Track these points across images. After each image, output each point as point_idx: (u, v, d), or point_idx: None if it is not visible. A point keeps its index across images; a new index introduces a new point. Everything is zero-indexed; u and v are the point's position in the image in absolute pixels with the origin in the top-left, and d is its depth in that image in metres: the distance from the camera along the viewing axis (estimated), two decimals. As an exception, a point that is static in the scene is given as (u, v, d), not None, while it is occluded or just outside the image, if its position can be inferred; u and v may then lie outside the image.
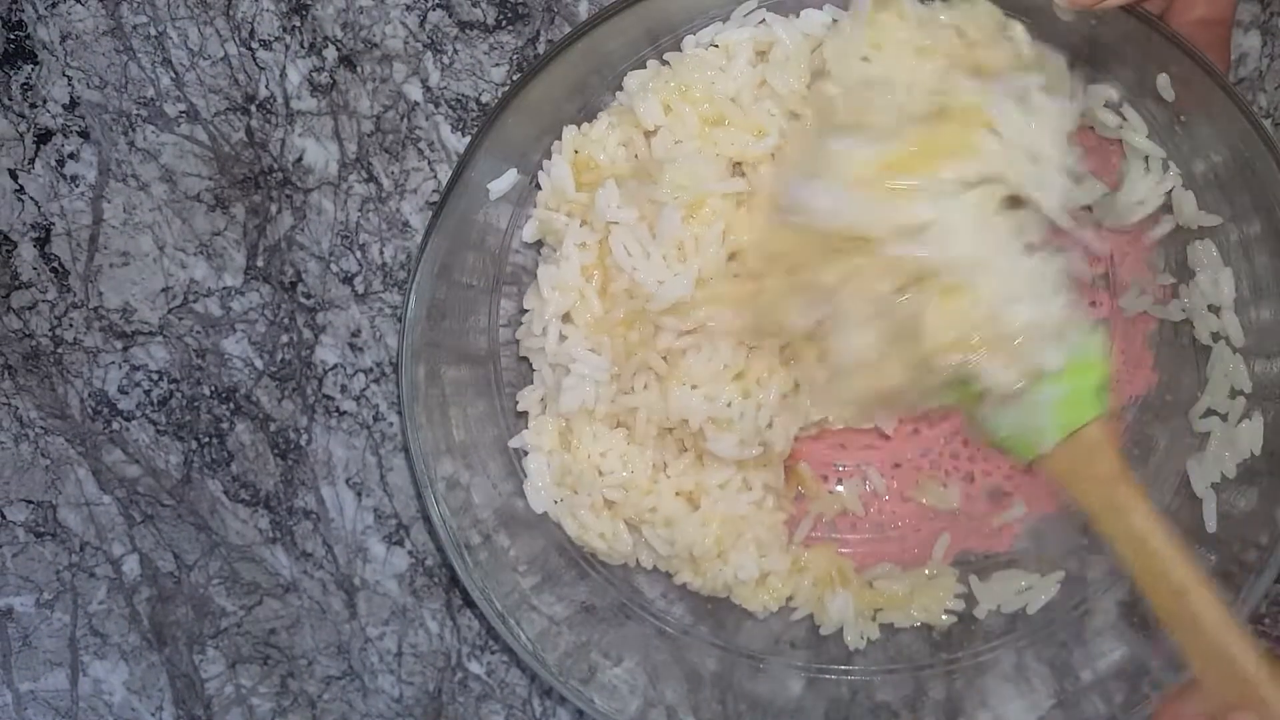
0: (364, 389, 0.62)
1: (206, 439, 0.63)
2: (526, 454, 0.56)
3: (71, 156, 0.61)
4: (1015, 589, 0.55)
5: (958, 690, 0.54)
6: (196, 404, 0.62)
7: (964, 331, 0.44)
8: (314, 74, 0.59)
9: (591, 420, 0.54)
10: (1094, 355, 0.46)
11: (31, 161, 0.61)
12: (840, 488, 0.59)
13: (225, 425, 0.62)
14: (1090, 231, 0.51)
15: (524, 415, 0.56)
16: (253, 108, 0.60)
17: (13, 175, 0.62)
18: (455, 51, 0.59)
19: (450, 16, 0.58)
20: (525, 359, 0.56)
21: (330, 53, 0.59)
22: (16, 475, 0.64)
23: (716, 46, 0.52)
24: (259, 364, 0.62)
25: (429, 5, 0.58)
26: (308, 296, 0.61)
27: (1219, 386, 0.51)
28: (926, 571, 0.57)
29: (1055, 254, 0.45)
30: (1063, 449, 0.46)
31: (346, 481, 0.63)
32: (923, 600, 0.56)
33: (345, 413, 0.62)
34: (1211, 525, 0.51)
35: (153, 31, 0.60)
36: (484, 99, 0.59)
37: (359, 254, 0.61)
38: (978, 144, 0.44)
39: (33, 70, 0.61)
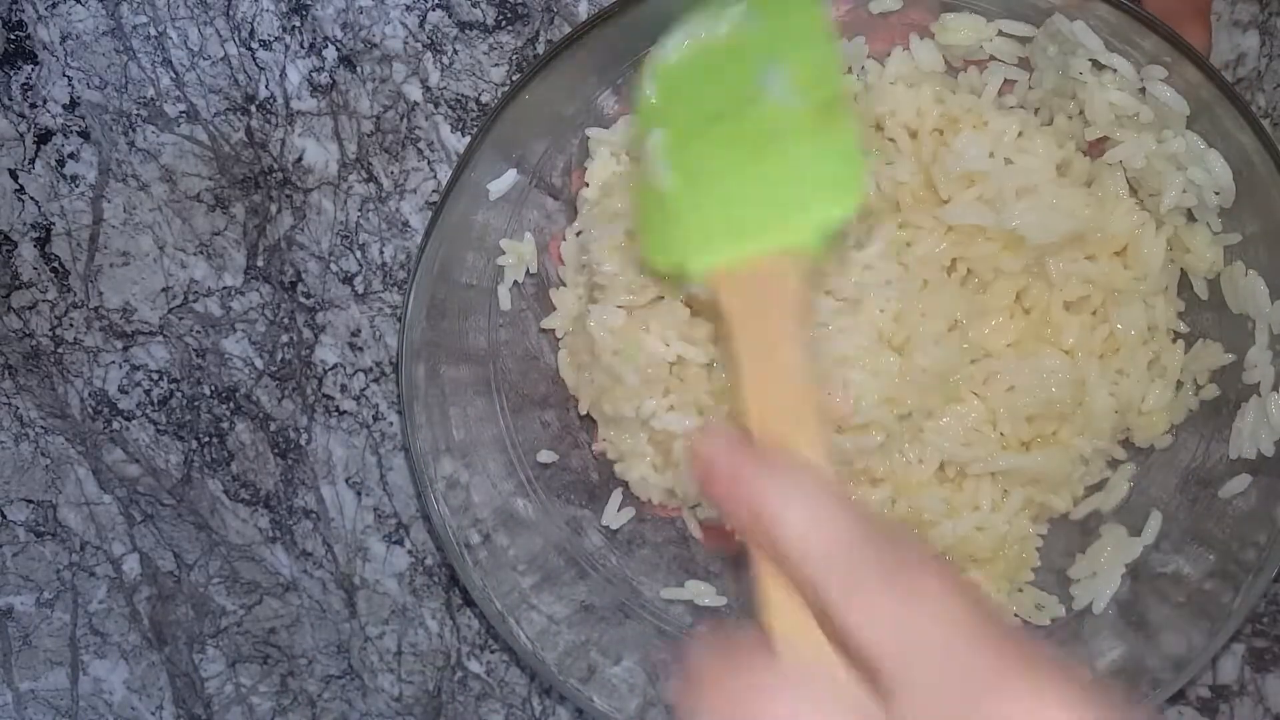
0: (364, 389, 0.62)
1: (206, 439, 0.63)
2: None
3: (71, 156, 0.61)
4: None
5: (957, 689, 0.54)
6: (196, 404, 0.63)
7: None
8: (314, 74, 0.59)
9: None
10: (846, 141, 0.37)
11: (32, 161, 0.61)
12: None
13: (225, 425, 0.63)
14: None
15: (522, 412, 0.56)
16: (253, 108, 0.60)
17: (13, 175, 0.62)
18: (455, 51, 0.59)
19: (450, 16, 0.59)
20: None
21: (330, 53, 0.59)
22: (17, 475, 0.64)
23: None
24: (259, 364, 0.62)
25: (429, 5, 0.58)
26: (308, 296, 0.61)
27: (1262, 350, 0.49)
28: None
29: None
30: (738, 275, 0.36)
31: (346, 481, 0.63)
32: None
33: (345, 412, 0.62)
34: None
35: (153, 31, 0.60)
36: (484, 99, 0.59)
37: (359, 254, 0.61)
38: None
39: (33, 70, 0.61)
